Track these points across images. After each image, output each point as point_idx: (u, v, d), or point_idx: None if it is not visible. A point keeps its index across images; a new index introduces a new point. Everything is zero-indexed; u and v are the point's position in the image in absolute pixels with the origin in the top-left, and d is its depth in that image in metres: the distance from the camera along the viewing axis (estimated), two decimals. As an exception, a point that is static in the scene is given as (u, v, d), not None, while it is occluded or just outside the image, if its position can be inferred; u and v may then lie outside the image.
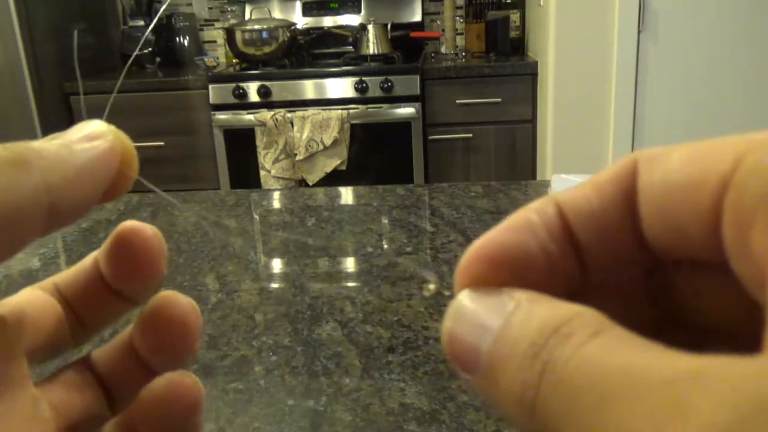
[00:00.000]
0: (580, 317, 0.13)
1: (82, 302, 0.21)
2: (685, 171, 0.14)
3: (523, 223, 0.16)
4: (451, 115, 2.71)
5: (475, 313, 0.15)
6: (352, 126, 2.65)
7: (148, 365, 0.22)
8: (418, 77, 2.62)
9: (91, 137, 0.18)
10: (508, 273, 0.15)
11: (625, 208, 0.15)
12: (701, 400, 0.11)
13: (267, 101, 2.66)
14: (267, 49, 2.77)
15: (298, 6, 3.10)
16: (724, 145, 0.14)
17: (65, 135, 0.18)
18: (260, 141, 2.64)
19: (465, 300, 0.15)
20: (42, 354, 0.21)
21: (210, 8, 3.25)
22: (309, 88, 2.67)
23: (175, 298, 0.21)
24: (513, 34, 2.88)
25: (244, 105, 2.67)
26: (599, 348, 0.13)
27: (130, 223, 0.21)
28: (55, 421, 0.20)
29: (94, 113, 0.22)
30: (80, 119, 0.19)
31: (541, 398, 0.13)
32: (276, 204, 1.09)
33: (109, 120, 0.20)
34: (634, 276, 0.17)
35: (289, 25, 2.84)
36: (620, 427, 0.11)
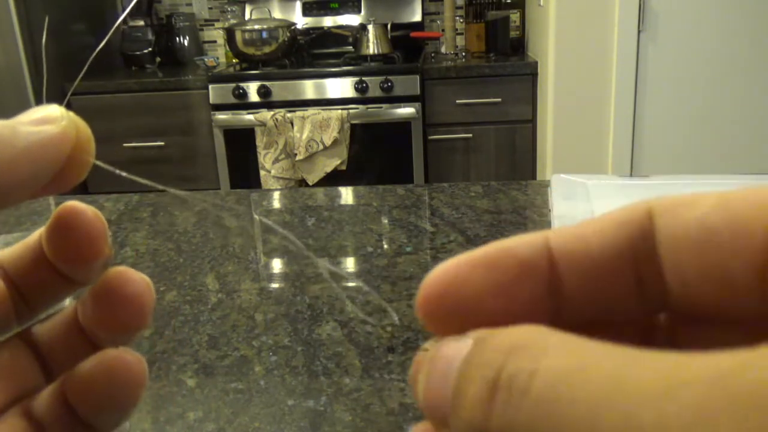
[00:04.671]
0: (531, 331, 0.13)
1: (26, 280, 0.21)
2: (730, 210, 0.13)
3: (490, 256, 0.15)
4: (451, 115, 2.71)
5: (441, 362, 0.14)
6: (352, 126, 2.65)
7: (93, 340, 0.21)
8: (418, 77, 2.62)
9: (43, 121, 0.18)
10: (461, 308, 0.15)
11: (629, 255, 0.15)
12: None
13: (267, 101, 2.66)
14: (267, 49, 2.77)
15: (298, 6, 3.10)
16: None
17: (17, 117, 0.18)
18: (260, 141, 2.64)
19: (430, 353, 0.14)
20: None
21: (210, 8, 3.25)
22: (309, 88, 2.67)
23: (128, 275, 0.21)
24: (513, 34, 2.88)
25: (244, 105, 2.67)
26: (564, 358, 0.12)
27: (71, 204, 0.20)
28: None
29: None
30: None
31: (496, 418, 0.12)
32: (276, 204, 1.09)
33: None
34: (629, 326, 0.16)
35: (289, 25, 2.84)
36: None
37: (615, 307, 0.15)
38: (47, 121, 0.18)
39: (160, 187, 0.21)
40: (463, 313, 0.15)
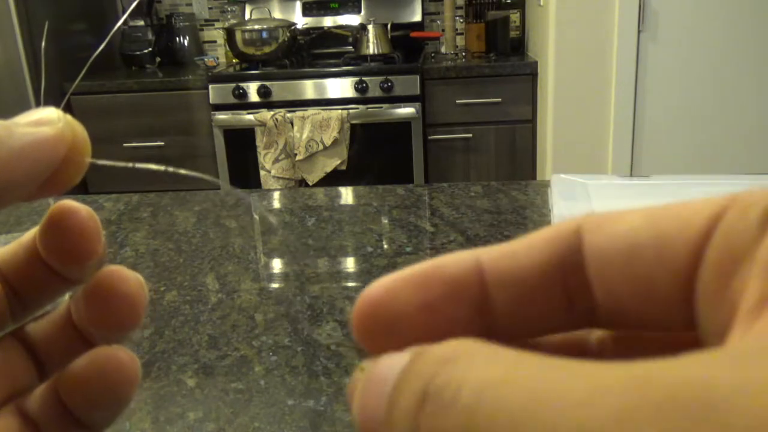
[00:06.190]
0: (462, 344, 0.13)
1: (21, 279, 0.21)
2: (656, 226, 0.14)
3: (420, 274, 0.15)
4: (451, 115, 2.71)
5: (377, 378, 0.14)
6: (352, 126, 2.65)
7: (87, 338, 0.21)
8: (418, 77, 2.62)
9: (40, 123, 0.18)
10: (394, 325, 0.15)
11: (557, 271, 0.15)
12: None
13: (267, 101, 2.66)
14: (267, 49, 2.77)
15: (298, 6, 3.10)
16: (697, 202, 0.13)
17: (14, 119, 0.18)
18: (260, 141, 2.64)
19: (367, 370, 0.14)
20: None
21: (210, 8, 3.25)
22: (309, 88, 2.67)
23: (121, 273, 0.21)
24: (513, 34, 2.88)
25: (244, 105, 2.67)
26: (491, 369, 0.12)
27: (64, 203, 0.20)
28: None
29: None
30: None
31: (423, 429, 0.12)
32: (276, 204, 1.09)
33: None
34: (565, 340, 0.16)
35: (289, 25, 2.84)
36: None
37: (544, 323, 0.15)
38: (44, 122, 0.18)
39: (168, 168, 0.21)
40: (396, 331, 0.15)
